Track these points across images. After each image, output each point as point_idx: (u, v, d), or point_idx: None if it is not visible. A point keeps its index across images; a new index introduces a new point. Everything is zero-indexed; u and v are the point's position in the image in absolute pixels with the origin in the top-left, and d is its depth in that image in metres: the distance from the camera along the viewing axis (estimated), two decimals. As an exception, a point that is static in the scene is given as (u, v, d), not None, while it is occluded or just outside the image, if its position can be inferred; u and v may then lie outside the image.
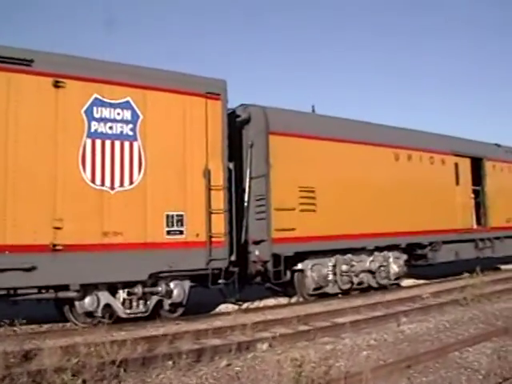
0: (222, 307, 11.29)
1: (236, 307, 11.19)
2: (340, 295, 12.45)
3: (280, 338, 7.41)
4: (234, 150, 11.38)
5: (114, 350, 6.51)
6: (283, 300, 12.35)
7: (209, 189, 9.86)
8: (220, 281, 10.00)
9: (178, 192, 9.60)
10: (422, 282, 15.23)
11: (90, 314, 8.81)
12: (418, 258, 14.16)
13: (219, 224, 9.97)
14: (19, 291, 8.09)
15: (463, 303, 10.28)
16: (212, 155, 10.03)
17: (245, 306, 11.54)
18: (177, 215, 9.53)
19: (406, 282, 14.73)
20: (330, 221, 11.63)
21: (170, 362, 6.21)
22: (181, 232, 9.56)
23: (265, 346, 7.01)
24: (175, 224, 9.51)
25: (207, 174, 9.85)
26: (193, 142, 9.86)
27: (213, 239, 9.86)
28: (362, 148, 12.51)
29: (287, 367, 5.54)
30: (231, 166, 10.44)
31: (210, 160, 9.97)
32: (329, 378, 5.42)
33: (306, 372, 5.19)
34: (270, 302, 12.15)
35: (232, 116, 11.43)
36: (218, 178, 10.05)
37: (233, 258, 10.21)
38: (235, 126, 11.40)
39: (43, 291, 8.38)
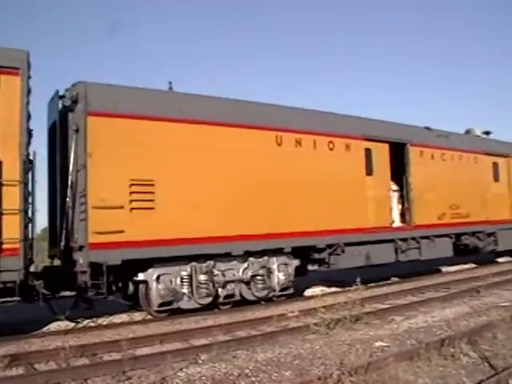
0: (55, 325, 9.54)
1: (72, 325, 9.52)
2: (216, 310, 10.48)
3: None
4: (62, 137, 9.65)
5: None
6: (140, 315, 10.41)
7: (-1, 184, 8.08)
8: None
9: (-45, 191, 7.84)
10: (335, 289, 12.64)
11: None
12: (318, 264, 11.91)
13: (12, 227, 8.12)
14: None
15: (315, 330, 7.82)
16: (4, 144, 8.21)
17: (85, 322, 9.76)
18: (-49, 219, 7.78)
19: (311, 291, 12.47)
20: (178, 221, 9.53)
21: None
22: (-45, 239, 7.80)
23: None
24: None
25: (-5, 166, 8.06)
26: (-23, 127, 8.09)
27: (3, 246, 8.07)
28: (226, 130, 10.21)
29: None
30: (33, 156, 8.61)
31: (0, 149, 8.18)
32: None
33: None
34: (122, 317, 10.25)
35: (56, 98, 9.68)
36: (13, 171, 8.21)
37: (32, 268, 8.38)
38: (61, 109, 9.60)
39: None
